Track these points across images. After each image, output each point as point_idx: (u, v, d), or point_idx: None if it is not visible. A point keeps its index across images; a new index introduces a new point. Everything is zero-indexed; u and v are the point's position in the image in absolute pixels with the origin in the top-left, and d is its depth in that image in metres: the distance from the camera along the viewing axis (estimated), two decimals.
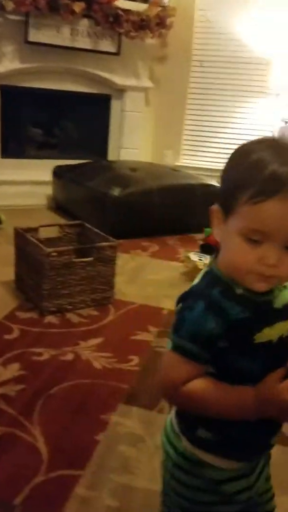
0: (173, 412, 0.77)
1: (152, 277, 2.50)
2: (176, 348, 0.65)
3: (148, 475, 1.21)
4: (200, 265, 2.49)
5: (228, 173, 0.64)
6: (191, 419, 0.71)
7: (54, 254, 1.93)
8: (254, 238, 0.60)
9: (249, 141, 0.65)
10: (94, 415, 1.40)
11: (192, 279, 2.40)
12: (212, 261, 0.68)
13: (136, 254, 2.81)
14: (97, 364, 1.66)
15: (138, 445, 1.30)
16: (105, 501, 1.12)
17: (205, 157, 4.08)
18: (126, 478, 1.19)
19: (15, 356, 1.67)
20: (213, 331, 0.63)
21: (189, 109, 4.15)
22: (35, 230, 2.16)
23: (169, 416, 0.78)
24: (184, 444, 0.73)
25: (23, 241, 2.08)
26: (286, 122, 3.44)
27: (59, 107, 3.89)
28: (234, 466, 0.71)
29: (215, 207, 0.66)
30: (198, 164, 4.03)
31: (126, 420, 1.39)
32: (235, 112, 4.03)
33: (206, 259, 2.57)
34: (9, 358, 1.66)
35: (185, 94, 4.11)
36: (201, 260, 2.54)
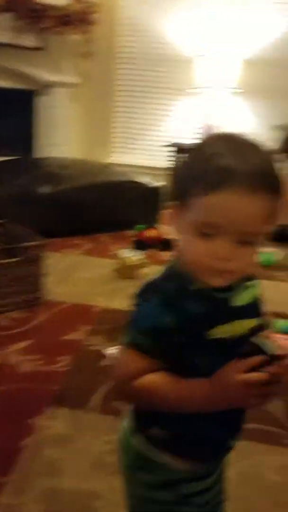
0: (128, 413, 0.75)
1: (84, 275, 2.47)
2: (130, 342, 0.64)
3: (76, 474, 1.19)
4: (132, 261, 2.50)
5: (183, 168, 0.64)
6: (146, 417, 0.70)
7: None
8: (205, 231, 0.60)
9: (206, 136, 0.66)
10: (20, 420, 1.36)
11: (124, 276, 2.39)
12: (175, 256, 0.68)
13: (68, 252, 2.77)
14: (25, 368, 1.62)
15: (66, 446, 1.28)
16: (30, 507, 1.08)
17: (136, 154, 4.09)
18: (53, 481, 1.17)
19: None
20: (168, 326, 0.62)
21: (118, 106, 4.15)
22: None
23: (124, 419, 0.77)
24: (139, 443, 0.71)
25: None
26: (209, 119, 3.53)
27: None
28: (189, 467, 0.70)
29: (172, 203, 0.65)
30: (129, 161, 4.02)
31: (54, 422, 1.36)
32: (162, 109, 4.08)
33: (138, 255, 2.59)
34: None
35: (113, 91, 4.10)
36: (133, 257, 2.55)
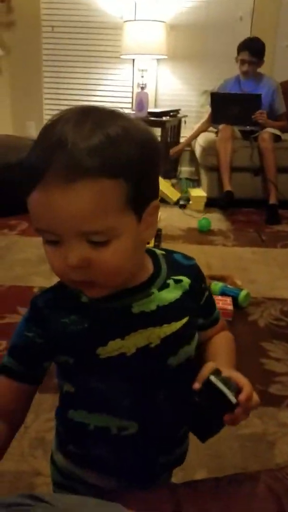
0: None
1: (21, 256, 2.41)
2: (1, 364, 0.61)
3: (16, 456, 1.18)
4: None
5: None
6: (63, 434, 0.67)
7: None
8: (48, 239, 0.50)
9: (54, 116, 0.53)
10: None
11: None
12: None
13: (3, 234, 2.69)
14: None
15: None
16: None
17: None
18: None
19: None
20: (32, 341, 0.57)
21: (46, 77, 3.99)
22: None
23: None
24: (60, 459, 0.68)
25: None
26: (142, 88, 3.48)
27: None
28: (111, 484, 0.64)
29: None
30: None
31: None
32: (93, 78, 3.98)
33: None
34: None
35: (39, 61, 3.93)
36: None
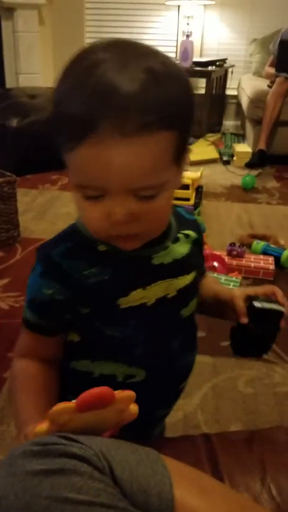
0: None
1: (62, 210, 2.43)
2: (23, 317, 0.60)
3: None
4: None
5: (53, 103, 0.48)
6: (61, 385, 0.64)
7: None
8: (90, 194, 0.47)
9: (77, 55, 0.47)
10: (2, 354, 1.39)
11: None
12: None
13: (45, 188, 2.71)
14: (3, 305, 1.63)
15: None
16: (15, 433, 1.14)
17: None
18: None
19: None
20: (52, 298, 0.55)
21: (88, 25, 3.87)
22: None
23: None
24: None
25: None
26: (187, 36, 3.30)
27: None
28: None
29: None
30: None
31: None
32: (136, 26, 3.82)
33: None
34: None
35: (81, 9, 3.80)
36: None
